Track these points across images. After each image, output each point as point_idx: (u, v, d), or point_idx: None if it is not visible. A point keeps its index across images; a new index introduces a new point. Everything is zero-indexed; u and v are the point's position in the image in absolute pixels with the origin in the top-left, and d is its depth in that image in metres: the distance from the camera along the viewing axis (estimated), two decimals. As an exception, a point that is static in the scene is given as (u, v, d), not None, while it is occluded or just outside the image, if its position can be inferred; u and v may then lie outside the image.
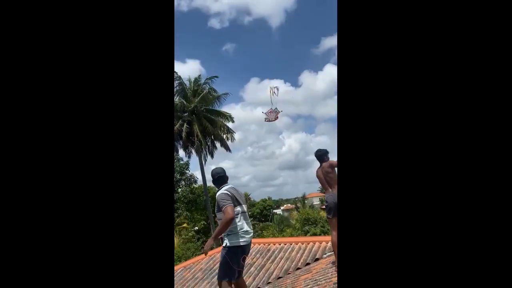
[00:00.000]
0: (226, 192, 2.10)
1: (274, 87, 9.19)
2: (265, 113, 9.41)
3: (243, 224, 2.08)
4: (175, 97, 15.03)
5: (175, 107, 14.62)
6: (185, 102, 14.80)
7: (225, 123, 15.52)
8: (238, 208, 2.10)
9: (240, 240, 2.04)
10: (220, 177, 2.25)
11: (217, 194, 2.13)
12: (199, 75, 15.97)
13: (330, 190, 2.65)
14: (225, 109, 16.40)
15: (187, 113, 14.92)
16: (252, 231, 2.16)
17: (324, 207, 2.68)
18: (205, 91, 15.08)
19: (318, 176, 2.78)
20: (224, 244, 2.09)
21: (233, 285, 2.09)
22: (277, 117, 9.40)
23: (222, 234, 2.06)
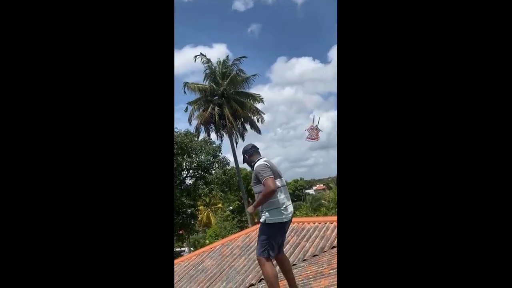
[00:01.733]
0: (265, 163, 1.94)
1: (313, 127, 8.83)
2: (307, 130, 9.15)
3: (284, 199, 1.92)
4: (205, 81, 15.25)
5: (205, 91, 14.88)
6: (214, 86, 14.97)
7: (254, 104, 15.48)
8: (278, 183, 1.92)
9: (282, 217, 1.89)
10: (254, 150, 2.13)
11: (255, 166, 1.97)
12: (227, 56, 15.89)
13: None
14: (253, 90, 16.25)
15: (217, 97, 15.12)
16: (290, 207, 1.98)
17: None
18: (233, 73, 15.05)
19: None
20: (262, 220, 1.92)
21: (274, 261, 2.02)
22: (318, 136, 9.05)
23: (261, 208, 1.92)
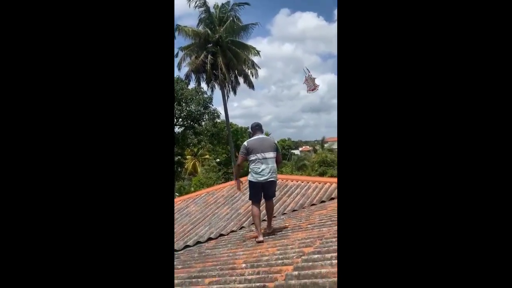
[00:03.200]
0: (244, 143, 2.85)
1: (308, 76, 8.36)
2: (304, 83, 8.78)
3: (258, 168, 2.76)
4: (199, 26, 14.14)
5: (199, 37, 13.90)
6: (209, 32, 13.94)
7: (250, 57, 14.75)
8: (253, 157, 2.76)
9: (256, 179, 2.78)
10: (257, 128, 2.94)
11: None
12: (228, 1, 14.50)
13: None
14: (250, 42, 15.25)
15: (211, 44, 14.20)
16: (265, 174, 2.75)
17: None
18: (230, 19, 13.96)
19: None
20: (248, 177, 2.86)
21: (261, 206, 2.92)
22: (316, 84, 8.73)
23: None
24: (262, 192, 2.83)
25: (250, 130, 3.05)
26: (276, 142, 2.95)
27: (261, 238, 2.68)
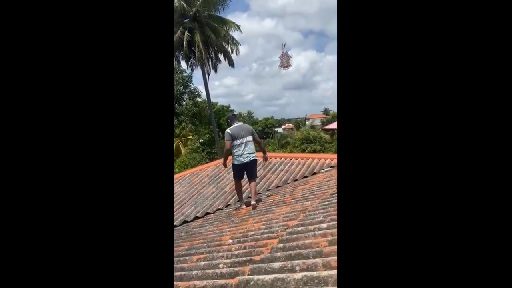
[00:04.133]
0: (228, 131, 3.28)
1: (283, 54, 8.14)
2: (279, 57, 8.60)
3: (238, 151, 3.27)
4: (174, -2, 13.24)
5: (175, 10, 13.06)
6: (185, 5, 13.12)
7: (230, 33, 14.17)
8: (237, 142, 3.25)
9: (238, 161, 3.28)
10: (233, 117, 3.46)
11: (226, 130, 3.33)
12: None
13: None
14: (229, 17, 14.57)
15: (188, 19, 13.44)
16: (248, 155, 3.25)
17: None
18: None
19: None
20: (232, 161, 3.37)
21: (243, 184, 3.54)
22: (290, 63, 8.60)
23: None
24: (245, 172, 3.34)
25: (228, 120, 3.47)
26: (251, 127, 3.52)
27: (243, 204, 3.34)
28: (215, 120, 15.59)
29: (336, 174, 3.65)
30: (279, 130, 35.36)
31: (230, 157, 3.58)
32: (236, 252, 1.70)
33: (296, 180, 4.29)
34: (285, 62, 8.97)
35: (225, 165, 3.54)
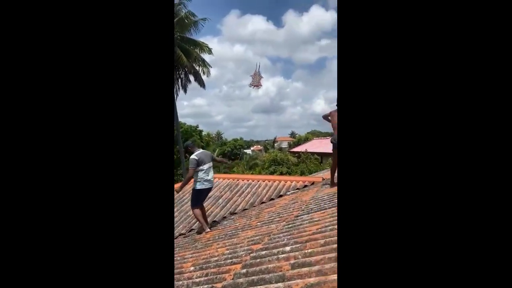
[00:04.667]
0: (194, 157, 3.32)
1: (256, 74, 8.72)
2: (251, 76, 9.00)
3: (207, 176, 3.38)
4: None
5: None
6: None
7: (201, 54, 14.39)
8: (201, 167, 3.32)
9: (203, 187, 3.37)
10: (188, 150, 3.57)
11: (190, 157, 3.38)
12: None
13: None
14: (201, 40, 14.84)
15: (159, 39, 13.39)
16: (211, 180, 3.42)
17: (332, 142, 3.50)
18: (182, 14, 13.41)
19: (333, 116, 3.47)
20: (193, 186, 3.43)
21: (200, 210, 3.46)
22: (261, 83, 9.07)
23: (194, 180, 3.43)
24: (203, 197, 3.49)
25: (188, 147, 3.61)
26: (210, 153, 3.73)
27: (208, 228, 3.33)
28: (182, 140, 15.24)
29: (301, 197, 3.73)
30: (248, 151, 35.54)
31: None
32: (197, 280, 1.62)
33: (263, 202, 4.29)
34: (257, 81, 9.31)
35: (178, 190, 3.39)
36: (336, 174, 3.63)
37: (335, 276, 1.10)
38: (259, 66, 9.84)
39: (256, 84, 9.18)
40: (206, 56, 14.58)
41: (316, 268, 1.24)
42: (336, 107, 3.50)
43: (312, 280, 1.13)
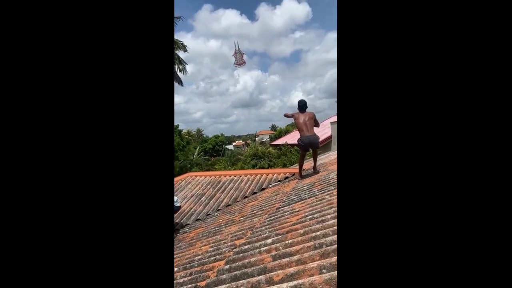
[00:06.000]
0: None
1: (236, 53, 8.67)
2: (233, 55, 8.92)
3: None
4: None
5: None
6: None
7: (176, 52, 14.01)
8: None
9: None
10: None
11: None
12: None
13: (305, 132, 3.72)
14: (174, 37, 14.38)
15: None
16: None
17: (299, 143, 3.76)
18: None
19: (297, 118, 3.75)
20: None
21: None
22: (244, 60, 9.03)
23: None
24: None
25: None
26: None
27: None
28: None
29: (283, 188, 3.80)
30: (230, 147, 35.37)
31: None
32: (181, 280, 1.61)
33: (246, 197, 4.31)
34: (239, 58, 9.28)
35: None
36: (303, 167, 4.25)
37: (314, 264, 1.14)
38: (238, 43, 9.86)
39: (240, 62, 9.12)
40: (181, 54, 14.23)
41: (295, 257, 1.28)
42: (297, 110, 3.85)
43: (292, 269, 1.16)
